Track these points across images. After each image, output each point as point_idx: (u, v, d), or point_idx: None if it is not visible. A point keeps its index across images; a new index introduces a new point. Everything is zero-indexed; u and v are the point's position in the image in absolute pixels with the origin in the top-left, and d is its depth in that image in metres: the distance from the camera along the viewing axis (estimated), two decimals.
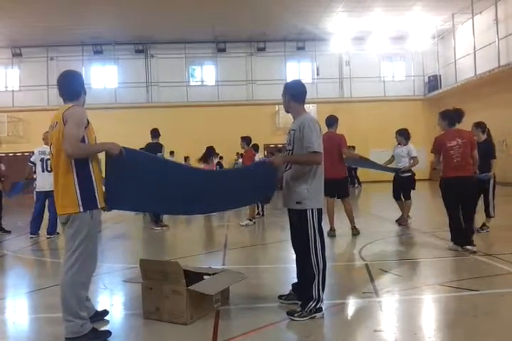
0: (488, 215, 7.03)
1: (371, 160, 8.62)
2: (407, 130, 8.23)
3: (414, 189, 8.25)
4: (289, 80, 4.17)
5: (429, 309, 3.98)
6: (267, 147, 20.56)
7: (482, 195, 6.95)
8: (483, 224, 7.04)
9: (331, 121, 7.26)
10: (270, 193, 4.17)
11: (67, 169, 3.17)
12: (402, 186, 8.20)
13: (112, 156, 3.18)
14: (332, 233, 7.17)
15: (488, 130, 7.14)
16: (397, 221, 8.24)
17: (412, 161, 7.98)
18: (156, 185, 3.47)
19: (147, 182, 3.43)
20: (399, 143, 8.23)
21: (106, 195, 3.31)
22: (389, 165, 8.40)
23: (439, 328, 3.41)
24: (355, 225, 7.29)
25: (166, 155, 14.23)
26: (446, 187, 5.74)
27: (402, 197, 8.18)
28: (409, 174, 8.13)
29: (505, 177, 16.05)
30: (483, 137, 6.97)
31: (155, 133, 8.99)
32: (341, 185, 7.21)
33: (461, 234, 5.69)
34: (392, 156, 8.33)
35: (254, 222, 9.12)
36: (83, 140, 3.18)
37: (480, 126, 7.01)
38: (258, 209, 10.24)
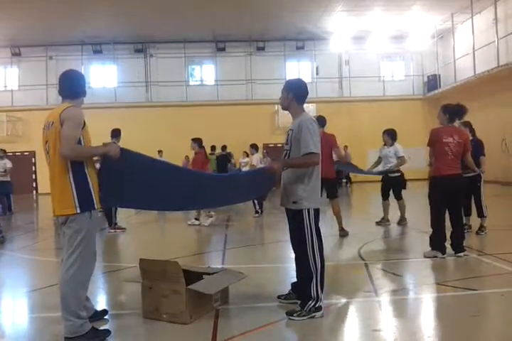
0: (481, 215, 6.89)
1: (359, 167, 8.82)
2: (395, 130, 8.19)
3: (405, 188, 8.20)
4: (293, 78, 4.12)
5: (428, 308, 3.97)
6: (266, 146, 20.57)
7: (472, 196, 6.86)
8: (481, 226, 6.89)
9: (323, 121, 7.14)
10: (266, 191, 4.19)
11: (64, 170, 3.15)
12: (392, 187, 8.16)
13: (112, 158, 3.15)
14: (341, 233, 7.18)
15: (474, 129, 7.09)
16: (398, 223, 8.16)
17: (399, 161, 7.95)
18: (153, 184, 3.44)
19: (144, 180, 3.40)
20: (385, 144, 8.19)
21: (100, 192, 3.29)
22: (376, 168, 8.40)
23: (439, 327, 3.41)
24: (343, 227, 7.22)
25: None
26: (438, 186, 5.47)
27: (394, 197, 8.12)
28: (399, 174, 8.10)
29: (507, 177, 16.08)
30: (470, 136, 6.92)
31: (115, 133, 8.18)
32: (331, 186, 7.08)
33: (444, 239, 5.47)
34: (379, 158, 8.27)
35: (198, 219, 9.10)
36: (79, 141, 3.16)
37: (467, 125, 6.96)
38: (256, 207, 10.20)
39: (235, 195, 4.11)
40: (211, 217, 9.13)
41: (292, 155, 3.68)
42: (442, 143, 5.40)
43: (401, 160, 7.96)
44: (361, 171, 8.98)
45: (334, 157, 7.32)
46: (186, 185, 3.62)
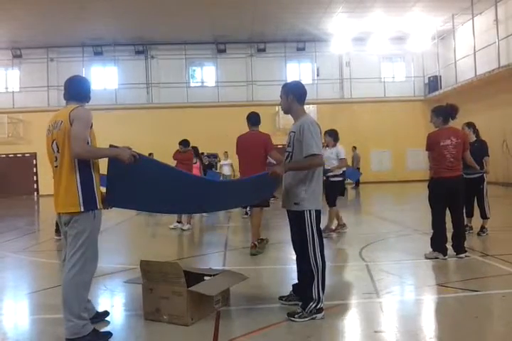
0: (484, 217, 6.87)
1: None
2: (336, 131, 7.60)
3: (343, 195, 7.70)
4: (289, 81, 4.12)
5: (429, 309, 3.97)
6: None
7: (475, 197, 6.85)
8: (483, 227, 6.88)
9: (256, 120, 6.56)
10: (270, 195, 4.19)
11: (72, 169, 3.18)
12: (330, 191, 7.32)
13: (124, 162, 3.13)
14: (253, 251, 6.09)
15: (477, 130, 7.06)
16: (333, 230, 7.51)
17: (340, 163, 7.39)
18: (158, 187, 3.46)
19: (150, 183, 3.42)
20: (327, 145, 7.53)
21: (107, 193, 3.31)
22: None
23: (440, 329, 3.41)
24: (255, 243, 6.19)
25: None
26: (437, 187, 5.45)
27: (326, 203, 7.38)
28: (341, 179, 7.59)
29: (508, 178, 16.07)
30: (474, 137, 6.90)
31: None
32: None
33: (445, 241, 5.45)
34: None
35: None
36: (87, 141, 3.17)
37: (471, 125, 6.94)
38: (246, 209, 10.29)
39: (238, 199, 4.11)
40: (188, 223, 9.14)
41: (295, 157, 3.69)
42: (440, 146, 5.37)
43: (342, 162, 7.40)
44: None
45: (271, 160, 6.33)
46: (190, 190, 3.63)
